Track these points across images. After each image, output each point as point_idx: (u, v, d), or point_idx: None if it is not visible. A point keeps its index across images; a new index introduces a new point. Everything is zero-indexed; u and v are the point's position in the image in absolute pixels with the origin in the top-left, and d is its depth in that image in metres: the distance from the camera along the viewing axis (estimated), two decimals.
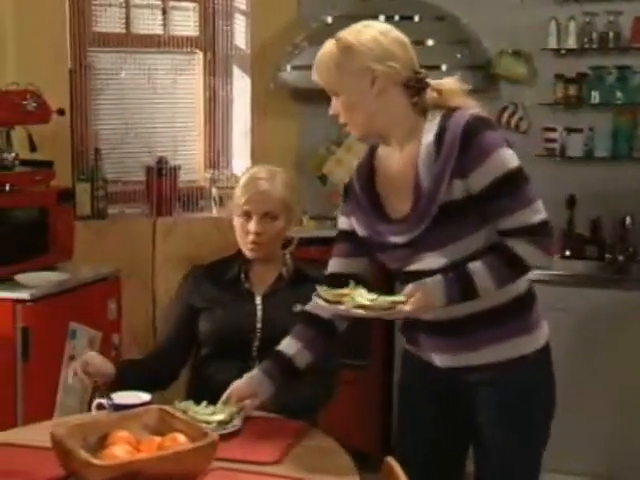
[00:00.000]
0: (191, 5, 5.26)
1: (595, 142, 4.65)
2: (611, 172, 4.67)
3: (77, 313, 3.89)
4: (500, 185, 2.38)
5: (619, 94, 4.55)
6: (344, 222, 2.71)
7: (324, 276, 2.74)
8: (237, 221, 3.11)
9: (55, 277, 3.84)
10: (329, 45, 2.54)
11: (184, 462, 2.16)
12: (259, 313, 3.03)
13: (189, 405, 2.64)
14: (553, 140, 4.69)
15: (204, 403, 2.67)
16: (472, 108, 2.48)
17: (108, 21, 5.02)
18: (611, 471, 4.29)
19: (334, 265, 2.74)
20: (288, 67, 4.86)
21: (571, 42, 4.57)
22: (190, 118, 5.35)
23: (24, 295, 3.64)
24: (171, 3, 5.18)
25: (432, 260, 2.45)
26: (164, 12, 5.22)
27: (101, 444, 2.28)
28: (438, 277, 2.40)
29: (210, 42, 5.30)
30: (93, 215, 4.72)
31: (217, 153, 5.41)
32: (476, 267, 2.39)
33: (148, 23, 5.15)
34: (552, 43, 4.62)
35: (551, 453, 2.68)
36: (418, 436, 2.74)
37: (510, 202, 2.39)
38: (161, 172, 4.97)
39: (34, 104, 3.92)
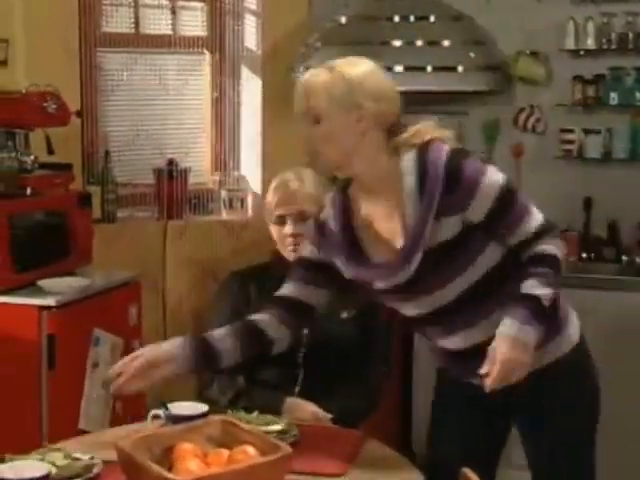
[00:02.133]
0: (199, 5, 5.19)
1: (613, 143, 4.62)
2: (629, 173, 4.65)
3: (100, 319, 3.81)
4: (499, 206, 2.35)
5: (638, 95, 4.53)
6: (309, 250, 2.60)
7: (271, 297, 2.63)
8: (273, 228, 3.07)
9: (78, 282, 3.75)
10: (322, 72, 2.45)
11: (258, 476, 2.10)
12: None
13: (241, 414, 2.58)
14: (570, 142, 4.67)
15: (256, 413, 2.61)
16: (444, 139, 2.42)
17: (117, 21, 4.94)
18: None
19: (289, 289, 2.62)
20: (301, 68, 4.80)
21: (590, 43, 4.54)
22: (197, 120, 5.27)
23: (50, 301, 3.55)
24: (180, 3, 5.10)
25: (443, 295, 2.39)
26: (173, 12, 5.14)
27: (166, 457, 2.21)
28: (507, 326, 2.29)
29: (218, 42, 5.23)
30: (103, 219, 4.63)
31: (225, 155, 5.34)
32: (532, 287, 2.32)
33: (157, 23, 5.08)
34: (570, 44, 4.59)
35: None
36: (453, 439, 2.69)
37: (513, 216, 2.38)
38: (172, 174, 4.89)
39: (54, 106, 3.84)
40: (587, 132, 4.65)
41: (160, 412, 2.46)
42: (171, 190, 4.88)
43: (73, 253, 3.94)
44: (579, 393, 2.59)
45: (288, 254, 3.04)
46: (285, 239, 3.02)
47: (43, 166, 3.96)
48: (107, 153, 4.77)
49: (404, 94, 4.56)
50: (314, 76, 2.44)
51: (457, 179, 2.31)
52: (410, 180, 2.34)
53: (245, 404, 2.84)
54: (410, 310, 2.47)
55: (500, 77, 4.69)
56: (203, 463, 2.17)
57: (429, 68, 4.57)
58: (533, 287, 2.31)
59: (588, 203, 4.68)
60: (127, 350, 3.97)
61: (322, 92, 2.39)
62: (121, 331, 3.94)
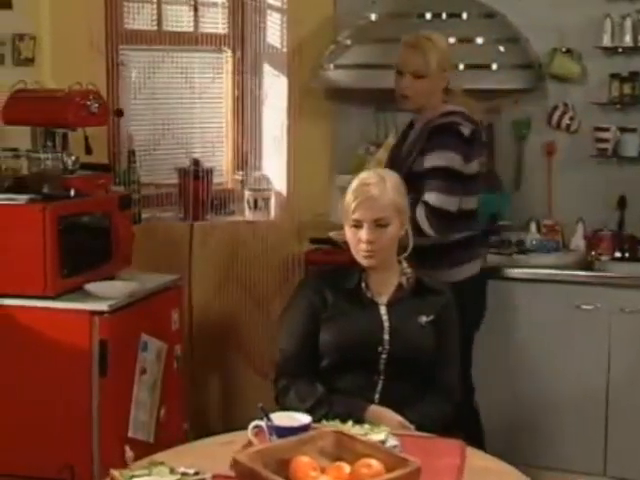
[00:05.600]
0: (220, 1, 5.10)
1: None
2: None
3: (145, 324, 3.71)
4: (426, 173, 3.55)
5: None
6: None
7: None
8: (349, 231, 2.97)
9: (126, 287, 3.65)
10: (427, 39, 3.74)
11: None
12: (385, 324, 2.90)
13: (337, 424, 2.50)
14: (605, 140, 4.61)
15: (350, 422, 2.53)
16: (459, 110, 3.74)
17: (139, 19, 4.83)
18: None
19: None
20: (331, 65, 4.72)
21: (627, 40, 4.50)
22: (218, 118, 5.18)
23: (102, 306, 3.45)
24: None
25: None
26: (195, 9, 5.05)
27: (282, 470, 2.13)
28: None
29: (240, 40, 5.14)
30: None
31: (246, 154, 5.25)
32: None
33: (179, 20, 4.98)
34: (606, 41, 4.54)
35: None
36: None
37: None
38: (197, 174, 4.80)
39: (96, 105, 3.74)
40: (623, 130, 4.60)
41: (262, 423, 2.37)
42: (196, 190, 4.79)
43: (115, 256, 3.84)
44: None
45: (361, 259, 2.96)
46: (360, 244, 2.93)
47: (82, 166, 3.86)
48: (131, 153, 4.67)
49: None
50: (426, 41, 3.71)
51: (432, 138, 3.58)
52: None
53: (325, 412, 2.76)
54: None
55: (533, 75, 4.64)
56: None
57: (461, 66, 4.50)
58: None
59: (622, 202, 4.65)
60: (170, 355, 3.90)
61: (433, 56, 3.68)
62: (164, 336, 3.85)
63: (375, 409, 2.82)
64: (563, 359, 4.30)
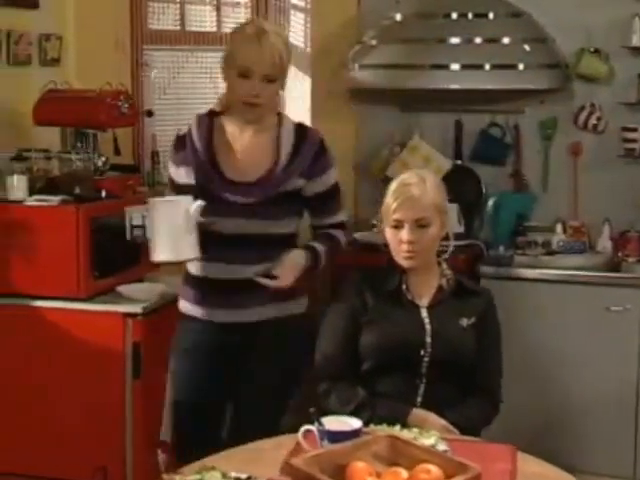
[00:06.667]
0: (242, 1, 5.07)
1: None
2: None
3: (174, 326, 3.67)
4: (329, 192, 3.13)
5: None
6: (175, 172, 3.11)
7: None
8: (389, 232, 2.94)
9: (157, 289, 3.63)
10: (276, 35, 3.00)
11: None
12: (427, 326, 2.87)
13: (384, 428, 2.48)
14: (632, 140, 4.58)
15: (397, 426, 2.51)
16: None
17: (163, 19, 4.81)
18: None
19: None
20: (356, 66, 4.69)
21: None
22: None
23: (136, 309, 3.43)
24: None
25: (261, 227, 2.98)
26: (218, 9, 5.02)
27: (338, 476, 2.10)
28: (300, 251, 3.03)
29: None
30: None
31: None
32: (321, 249, 3.08)
33: (202, 20, 4.96)
34: (635, 41, 4.52)
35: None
36: None
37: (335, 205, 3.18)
38: None
39: (127, 105, 3.72)
40: None
41: (313, 427, 2.35)
42: None
43: (143, 258, 3.80)
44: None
45: (401, 260, 2.93)
46: (400, 245, 2.90)
47: (110, 167, 3.84)
48: (155, 154, 4.65)
49: (461, 92, 4.58)
50: (275, 41, 2.96)
51: (321, 158, 3.09)
52: (290, 136, 3.05)
53: (368, 416, 2.73)
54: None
55: (560, 75, 4.61)
56: None
57: (487, 66, 4.48)
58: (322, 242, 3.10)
59: None
60: None
61: (285, 59, 3.01)
62: None
63: (419, 413, 2.79)
64: (592, 361, 4.26)
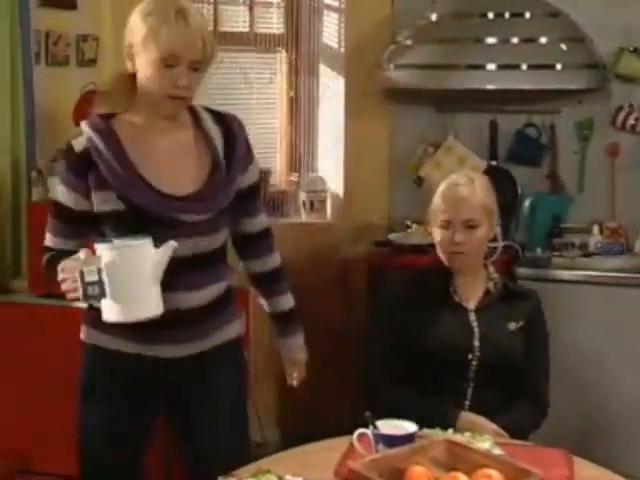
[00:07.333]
0: (275, 1, 5.05)
1: None
2: None
3: None
4: (257, 186, 2.70)
5: None
6: (67, 196, 2.49)
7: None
8: (436, 232, 2.93)
9: None
10: (199, 15, 2.62)
11: None
12: (475, 330, 2.85)
13: (437, 432, 2.46)
14: None
15: (450, 430, 2.48)
16: None
17: None
18: None
19: (54, 242, 2.57)
20: (391, 66, 4.67)
21: None
22: (273, 119, 5.13)
23: None
24: None
25: (206, 244, 2.51)
26: (250, 9, 5.00)
27: None
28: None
29: (294, 40, 5.09)
30: None
31: (300, 156, 5.20)
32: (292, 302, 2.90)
33: (235, 21, 4.94)
34: None
35: None
36: None
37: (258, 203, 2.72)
38: None
39: None
40: None
41: (367, 431, 2.32)
42: None
43: None
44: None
45: (449, 261, 2.91)
46: (448, 245, 2.88)
47: None
48: None
49: (496, 92, 4.54)
50: (203, 24, 2.49)
51: (249, 146, 2.64)
52: (215, 129, 2.56)
53: (417, 419, 2.70)
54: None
55: (597, 75, 4.56)
56: None
57: (524, 66, 4.45)
58: (288, 301, 2.87)
59: None
60: None
61: (211, 43, 2.48)
62: None
63: (468, 416, 2.76)
64: (631, 364, 4.23)
